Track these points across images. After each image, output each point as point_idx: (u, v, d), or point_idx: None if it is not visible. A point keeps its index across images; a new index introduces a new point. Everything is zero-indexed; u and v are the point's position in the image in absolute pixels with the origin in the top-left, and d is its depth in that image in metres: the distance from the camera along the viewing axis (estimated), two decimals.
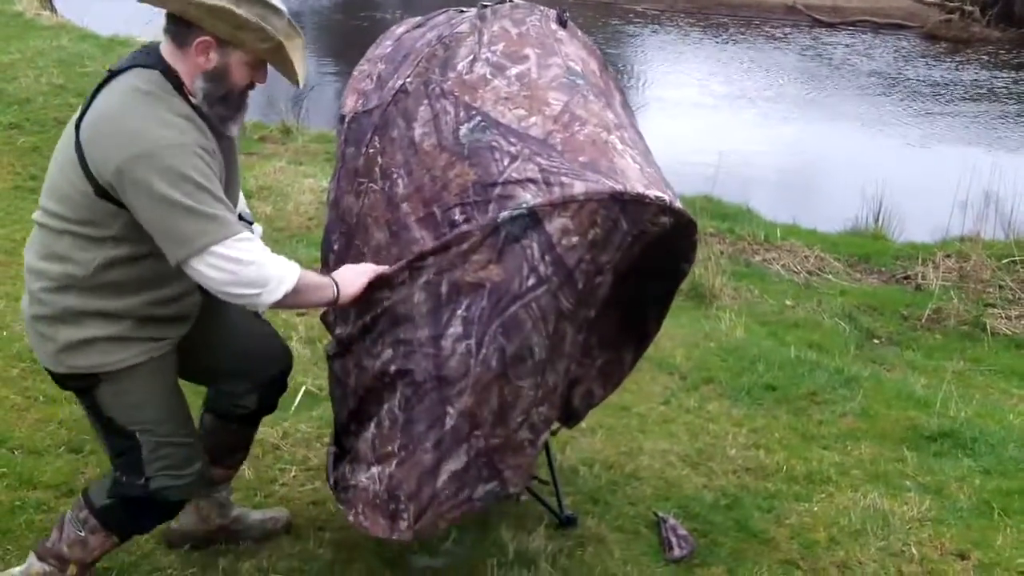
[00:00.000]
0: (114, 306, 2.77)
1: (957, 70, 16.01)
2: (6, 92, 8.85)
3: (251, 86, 2.81)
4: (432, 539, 3.43)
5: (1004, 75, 15.82)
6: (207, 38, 2.68)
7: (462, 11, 3.18)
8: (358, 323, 2.98)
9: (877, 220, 9.03)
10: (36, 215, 2.83)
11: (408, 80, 3.00)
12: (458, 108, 2.90)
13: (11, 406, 4.21)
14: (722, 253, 7.62)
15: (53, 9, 13.81)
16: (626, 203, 2.72)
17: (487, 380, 2.80)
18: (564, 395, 3.19)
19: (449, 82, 2.95)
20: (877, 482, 4.17)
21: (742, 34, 18.05)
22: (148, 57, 2.73)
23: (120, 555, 3.34)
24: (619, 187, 2.72)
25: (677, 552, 3.59)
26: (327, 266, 3.14)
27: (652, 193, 2.76)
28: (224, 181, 2.76)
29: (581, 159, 2.78)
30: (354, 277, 2.88)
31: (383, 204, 2.96)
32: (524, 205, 2.72)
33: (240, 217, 2.89)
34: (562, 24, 3.19)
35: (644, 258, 2.96)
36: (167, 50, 2.73)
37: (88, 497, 3.01)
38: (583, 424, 4.13)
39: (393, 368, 2.91)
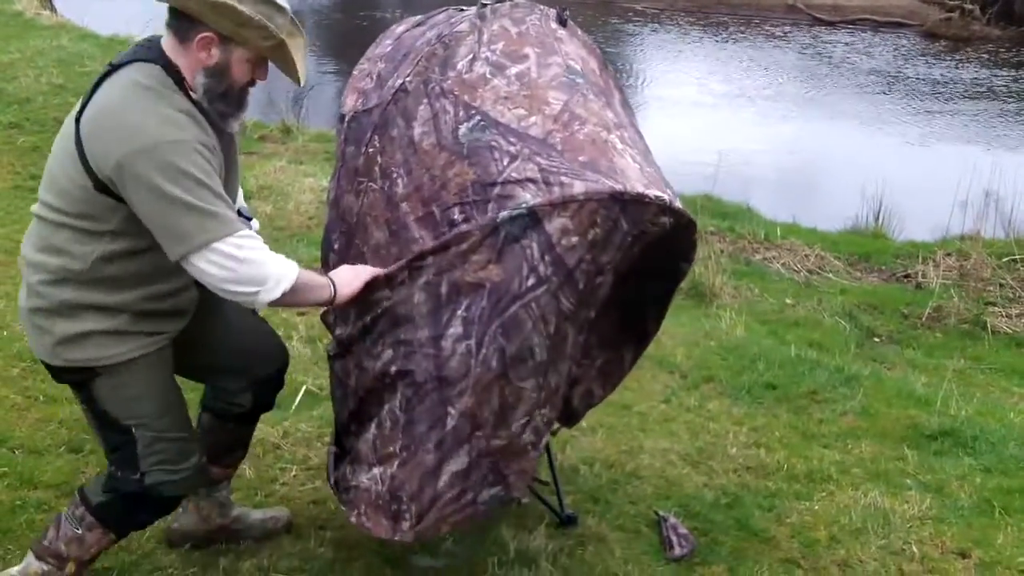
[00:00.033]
0: (111, 300, 2.76)
1: (957, 68, 16.01)
2: (6, 92, 8.85)
3: (252, 83, 2.81)
4: (433, 539, 3.43)
5: (1004, 73, 15.82)
6: (209, 34, 2.68)
7: (462, 10, 3.18)
8: (358, 324, 2.98)
9: (877, 219, 9.04)
10: (34, 208, 2.83)
11: (408, 79, 3.00)
12: (457, 107, 2.89)
13: (11, 406, 4.21)
14: (722, 252, 7.62)
15: (53, 9, 13.81)
16: (626, 203, 2.72)
17: (487, 380, 2.80)
18: (564, 396, 3.18)
19: (449, 81, 2.95)
20: (878, 481, 4.16)
21: (742, 32, 18.04)
22: (149, 51, 2.73)
23: (121, 554, 3.34)
24: (619, 187, 2.72)
25: (678, 551, 3.59)
26: (327, 265, 3.14)
27: (652, 193, 2.76)
28: (224, 177, 2.76)
29: (581, 159, 2.78)
30: (351, 277, 2.88)
31: (383, 203, 2.96)
32: (524, 205, 2.71)
33: (239, 213, 2.89)
34: (562, 23, 3.19)
35: (644, 258, 2.96)
36: (168, 45, 2.73)
37: (84, 494, 3.01)
38: (583, 423, 4.13)
39: (394, 369, 2.91)
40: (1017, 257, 7.87)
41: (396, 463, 2.92)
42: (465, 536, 3.53)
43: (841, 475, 4.19)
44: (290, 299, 2.74)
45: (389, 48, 3.23)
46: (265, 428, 4.10)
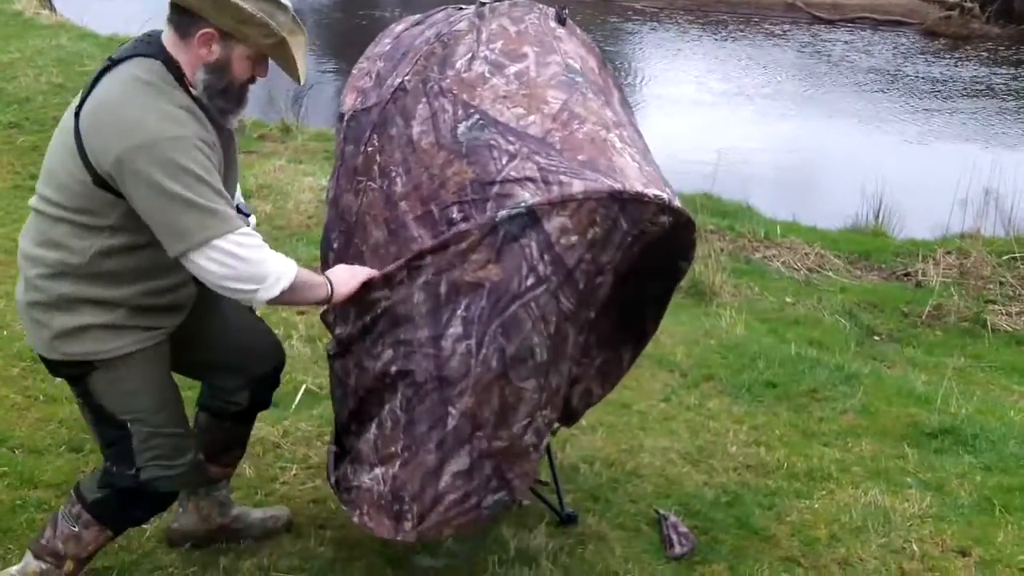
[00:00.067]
0: (109, 294, 2.76)
1: (956, 66, 16.01)
2: (5, 91, 8.85)
3: (252, 80, 2.81)
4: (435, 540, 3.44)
5: (1003, 71, 15.82)
6: (210, 30, 2.68)
7: (461, 9, 3.18)
8: (358, 323, 2.97)
9: (877, 217, 9.04)
10: (33, 201, 2.83)
11: (407, 78, 3.00)
12: (456, 106, 2.89)
13: (11, 405, 4.21)
14: (722, 250, 7.61)
15: (52, 8, 13.81)
16: (625, 202, 2.72)
17: (487, 380, 2.80)
18: (564, 395, 3.18)
19: (447, 80, 2.94)
20: (878, 479, 4.16)
21: (741, 31, 18.04)
22: (149, 46, 2.73)
23: (121, 554, 3.34)
24: (618, 186, 2.71)
25: (678, 549, 3.59)
26: (326, 264, 3.14)
27: (651, 192, 2.75)
28: (223, 174, 2.76)
29: (580, 158, 2.78)
30: (348, 277, 2.89)
31: (382, 202, 2.96)
32: (522, 204, 2.71)
33: (237, 209, 2.89)
34: (561, 22, 3.18)
35: (643, 258, 2.96)
36: (169, 40, 2.72)
37: (80, 491, 3.01)
38: (583, 422, 4.13)
39: (394, 369, 2.90)
40: (1017, 255, 7.87)
41: (398, 463, 2.92)
42: (466, 536, 3.53)
43: (841, 473, 4.19)
44: (288, 297, 2.75)
45: (388, 47, 3.23)
46: (265, 427, 4.11)
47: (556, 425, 3.46)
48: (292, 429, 4.18)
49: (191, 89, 2.72)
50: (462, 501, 2.91)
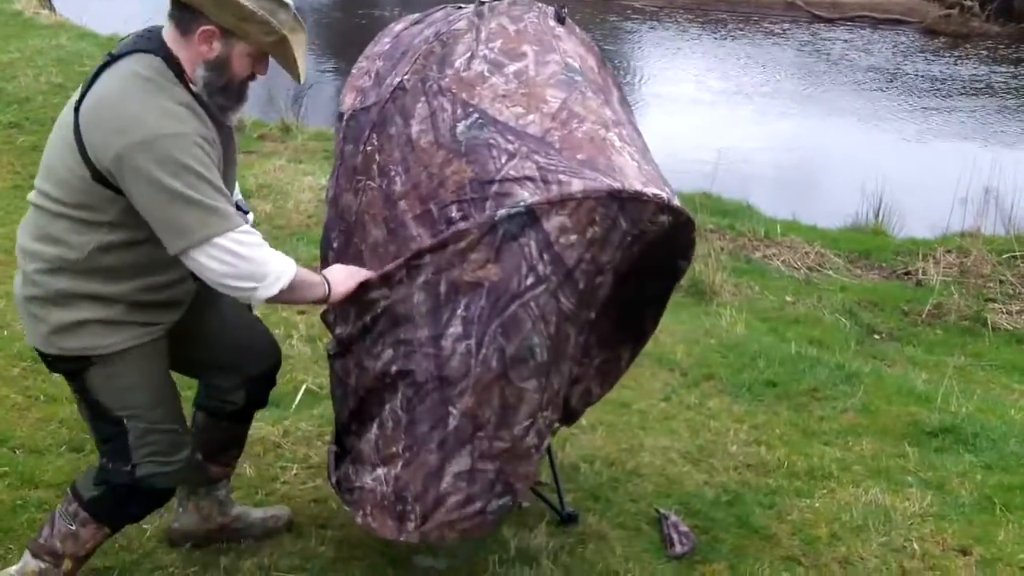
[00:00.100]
0: (107, 290, 2.76)
1: (956, 65, 16.00)
2: (5, 91, 8.85)
3: (252, 77, 2.80)
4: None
5: (1003, 70, 15.81)
6: (211, 27, 2.68)
7: (460, 8, 3.18)
8: (358, 323, 2.97)
9: (877, 216, 9.03)
10: (31, 196, 2.82)
11: (406, 77, 3.00)
12: (455, 105, 2.89)
13: (12, 405, 4.21)
14: (722, 249, 7.61)
15: (52, 8, 13.79)
16: (624, 201, 2.72)
17: (487, 380, 2.79)
18: (564, 395, 3.18)
19: (447, 79, 2.94)
20: (878, 478, 4.16)
21: (740, 30, 18.03)
22: (150, 42, 2.72)
23: (122, 554, 3.34)
24: (617, 185, 2.71)
25: (679, 548, 3.59)
26: (326, 263, 3.14)
27: (650, 191, 2.75)
28: (222, 171, 2.76)
29: (579, 157, 2.77)
30: (345, 277, 2.90)
31: (381, 201, 2.96)
32: (521, 203, 2.71)
33: (236, 206, 2.89)
34: (560, 21, 3.18)
35: (643, 258, 2.96)
36: (170, 36, 2.72)
37: (76, 489, 3.01)
38: (583, 421, 4.13)
39: (394, 369, 2.90)
40: (1017, 253, 7.87)
41: (400, 464, 2.92)
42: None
43: (842, 472, 4.18)
44: (287, 296, 2.76)
45: (387, 46, 3.23)
46: (266, 427, 4.11)
47: (556, 425, 3.46)
48: (292, 429, 4.18)
49: (191, 86, 2.71)
50: (465, 504, 2.90)
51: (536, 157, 2.76)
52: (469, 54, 2.97)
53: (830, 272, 7.82)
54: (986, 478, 4.21)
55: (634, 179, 2.76)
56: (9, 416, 4.12)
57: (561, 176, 2.72)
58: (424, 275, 2.81)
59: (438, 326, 2.81)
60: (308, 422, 4.23)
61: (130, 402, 2.87)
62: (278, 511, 3.56)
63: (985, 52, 16.84)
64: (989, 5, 18.01)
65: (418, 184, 2.87)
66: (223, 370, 3.17)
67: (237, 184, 3.15)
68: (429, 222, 2.84)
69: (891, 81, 14.94)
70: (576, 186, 2.70)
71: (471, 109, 2.87)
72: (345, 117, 3.15)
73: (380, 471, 2.97)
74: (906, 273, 7.95)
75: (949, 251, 8.08)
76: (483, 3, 3.09)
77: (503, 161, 2.77)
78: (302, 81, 2.89)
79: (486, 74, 2.92)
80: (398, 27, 3.32)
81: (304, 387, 4.48)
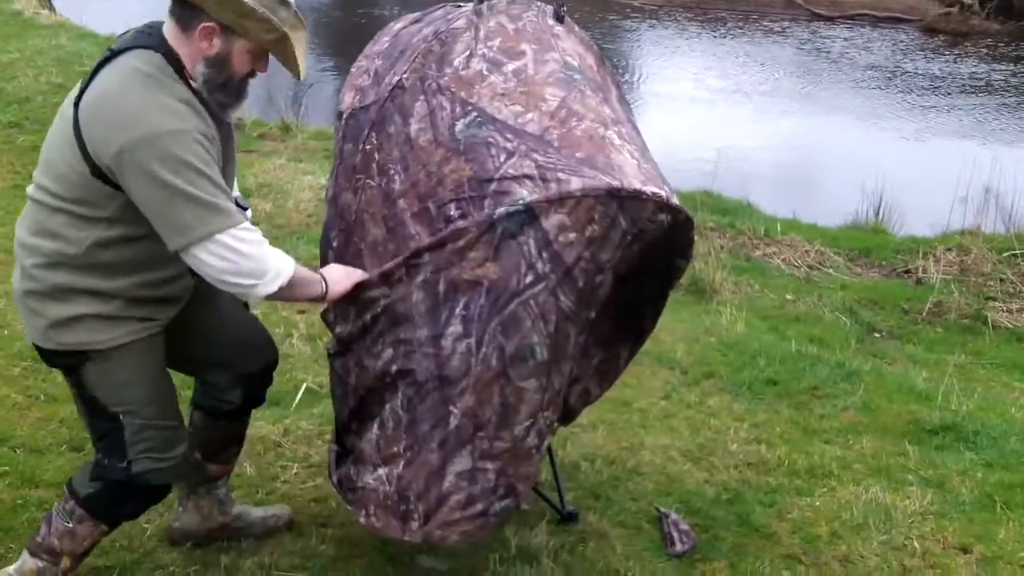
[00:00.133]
0: (105, 285, 2.76)
1: (956, 63, 15.99)
2: (5, 91, 8.86)
3: (252, 74, 2.80)
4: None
5: (1003, 68, 15.80)
6: (211, 24, 2.68)
7: (459, 7, 3.18)
8: (358, 322, 2.97)
9: (877, 214, 9.03)
10: (30, 190, 2.82)
11: (405, 76, 2.99)
12: (454, 104, 2.89)
13: (12, 405, 4.21)
14: (722, 248, 7.61)
15: (52, 8, 13.79)
16: (623, 199, 2.72)
17: (488, 379, 2.79)
18: (564, 395, 3.19)
19: (445, 78, 2.94)
20: (879, 476, 4.16)
21: (740, 28, 18.02)
22: (150, 38, 2.72)
23: (122, 553, 3.35)
24: (616, 183, 2.71)
25: (679, 547, 3.59)
26: (326, 262, 3.14)
27: (649, 189, 2.75)
28: (221, 167, 2.76)
29: (578, 155, 2.77)
30: (343, 276, 2.91)
31: (380, 200, 2.96)
32: (520, 201, 2.71)
33: (235, 203, 2.89)
34: (559, 19, 3.19)
35: (642, 258, 2.96)
36: (170, 32, 2.72)
37: (72, 487, 3.01)
38: (584, 420, 4.13)
39: (394, 368, 2.90)
40: (1017, 252, 7.86)
41: (402, 463, 2.92)
42: None
43: (842, 471, 4.18)
44: (286, 293, 2.77)
45: (387, 45, 3.23)
46: (266, 426, 4.11)
47: (555, 424, 3.46)
48: (293, 428, 4.18)
49: (191, 82, 2.71)
50: (466, 505, 2.90)
51: (535, 155, 2.76)
52: (468, 53, 2.97)
53: (830, 270, 7.82)
54: (987, 476, 4.21)
55: (633, 177, 2.76)
56: (10, 415, 4.13)
57: (560, 174, 2.72)
58: (423, 274, 2.81)
59: (438, 325, 2.81)
60: (308, 421, 4.23)
61: (126, 398, 2.87)
62: (278, 510, 3.56)
63: (985, 50, 16.83)
64: (989, 3, 18.00)
65: (417, 182, 2.87)
66: (219, 367, 3.16)
67: (236, 181, 3.15)
68: (427, 220, 2.84)
69: (891, 79, 14.93)
70: (575, 184, 2.70)
71: (470, 107, 2.87)
72: (344, 116, 3.15)
73: (382, 471, 2.97)
74: (906, 271, 7.95)
75: (949, 249, 8.07)
76: (482, 2, 3.09)
77: (502, 159, 2.77)
78: (302, 79, 2.89)
79: (485, 72, 2.92)
80: (397, 26, 3.32)
81: (304, 386, 4.48)
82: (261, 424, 4.09)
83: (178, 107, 2.64)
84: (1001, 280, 7.59)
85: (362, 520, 3.03)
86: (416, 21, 3.26)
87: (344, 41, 15.73)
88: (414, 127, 2.92)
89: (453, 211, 2.79)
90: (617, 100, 3.17)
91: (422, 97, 2.94)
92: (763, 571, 3.52)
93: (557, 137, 2.80)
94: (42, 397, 4.27)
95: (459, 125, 2.86)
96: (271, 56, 2.80)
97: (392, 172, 2.94)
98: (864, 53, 16.46)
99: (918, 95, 14.19)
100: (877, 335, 6.69)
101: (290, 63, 2.79)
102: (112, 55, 2.71)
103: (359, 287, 2.90)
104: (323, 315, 3.19)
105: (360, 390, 3.04)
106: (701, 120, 12.55)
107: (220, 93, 2.75)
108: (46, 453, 3.89)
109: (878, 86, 14.57)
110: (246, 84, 2.82)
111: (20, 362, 4.52)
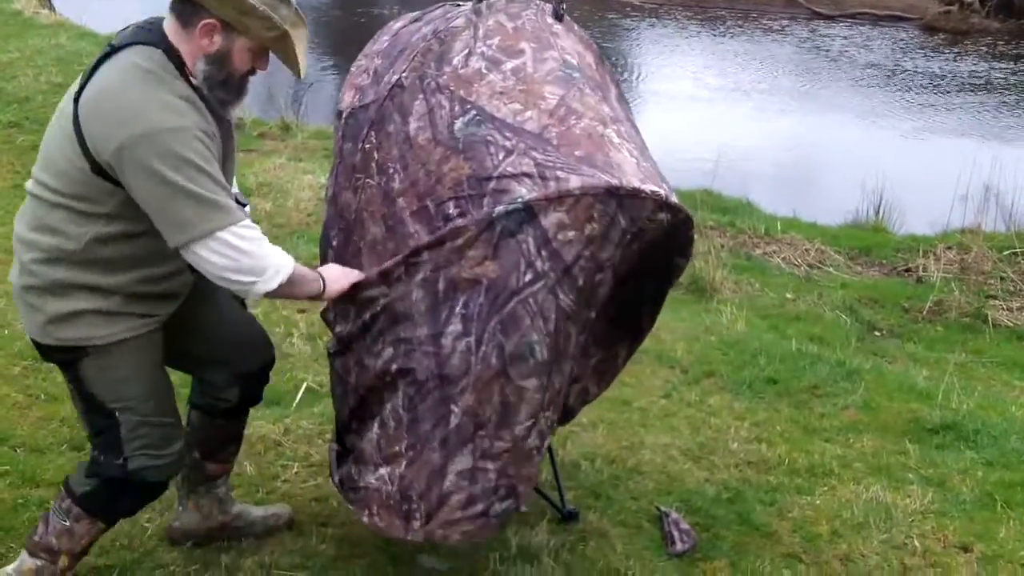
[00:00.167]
0: (105, 281, 2.76)
1: (955, 61, 16.00)
2: (5, 91, 8.86)
3: (252, 71, 2.80)
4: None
5: (1003, 66, 15.81)
6: (212, 21, 2.68)
7: (458, 5, 3.18)
8: (358, 321, 2.97)
9: (877, 213, 9.02)
10: (29, 185, 2.82)
11: (404, 75, 2.99)
12: (453, 102, 2.89)
13: (13, 404, 4.21)
14: (722, 247, 7.61)
15: (52, 7, 13.79)
16: (622, 198, 2.72)
17: (488, 378, 2.79)
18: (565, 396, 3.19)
19: (444, 76, 2.94)
20: (879, 475, 4.16)
21: (739, 27, 18.02)
22: (151, 34, 2.72)
23: (123, 552, 3.35)
24: (615, 181, 2.71)
25: (679, 546, 3.59)
26: (325, 261, 3.14)
27: (648, 188, 2.75)
28: (222, 164, 2.76)
29: (577, 153, 2.77)
30: (340, 275, 2.92)
31: (379, 199, 2.96)
32: (519, 199, 2.71)
33: (235, 200, 2.89)
34: (558, 18, 3.18)
35: (642, 258, 2.96)
36: (171, 28, 2.72)
37: (69, 485, 3.00)
38: (584, 419, 4.13)
39: (394, 367, 2.90)
40: (1018, 250, 7.86)
41: (404, 463, 2.92)
42: None
43: (843, 469, 4.18)
44: (284, 291, 2.77)
45: (386, 44, 3.23)
46: (266, 425, 4.11)
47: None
48: (293, 427, 4.18)
49: (191, 79, 2.71)
50: (467, 505, 2.90)
51: (534, 153, 2.76)
52: (467, 51, 2.97)
53: (830, 269, 7.81)
54: (987, 475, 4.21)
55: (632, 176, 2.76)
56: (10, 415, 4.12)
57: (559, 172, 2.72)
58: (422, 272, 2.81)
59: (437, 324, 2.81)
60: (309, 420, 4.23)
61: (123, 394, 2.86)
62: (279, 509, 3.56)
63: (985, 48, 16.84)
64: (989, 1, 18.01)
65: (416, 181, 2.87)
66: (216, 365, 3.16)
67: (235, 179, 3.15)
68: (427, 219, 2.84)
69: (891, 78, 14.93)
70: (574, 182, 2.70)
71: (469, 106, 2.87)
72: (344, 115, 3.15)
73: (383, 470, 2.97)
74: (906, 270, 7.95)
75: (949, 248, 8.07)
76: (481, 1, 3.09)
77: (501, 158, 2.77)
78: (302, 76, 2.89)
79: (484, 71, 2.92)
80: (397, 25, 3.32)
81: (305, 385, 4.48)
82: (262, 423, 4.09)
83: (179, 104, 2.64)
84: (1001, 278, 7.59)
85: (365, 520, 3.03)
86: (415, 20, 3.26)
87: (344, 40, 15.74)
88: (413, 126, 2.92)
89: (452, 209, 2.79)
90: (616, 99, 3.17)
91: (421, 96, 2.94)
92: (763, 570, 3.52)
93: (556, 135, 2.80)
94: (43, 396, 4.26)
95: (458, 123, 2.86)
96: (271, 54, 2.80)
97: (391, 171, 2.94)
98: (864, 51, 16.47)
99: (918, 93, 14.20)
100: (877, 334, 6.69)
101: (290, 61, 2.79)
102: (113, 51, 2.71)
103: (357, 286, 2.90)
104: (323, 314, 3.19)
105: (360, 389, 3.03)
106: (701, 119, 12.55)
107: (220, 90, 2.75)
108: (47, 452, 3.89)
109: (878, 84, 14.57)
110: (246, 81, 2.82)
111: (20, 361, 4.52)
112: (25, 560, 3.03)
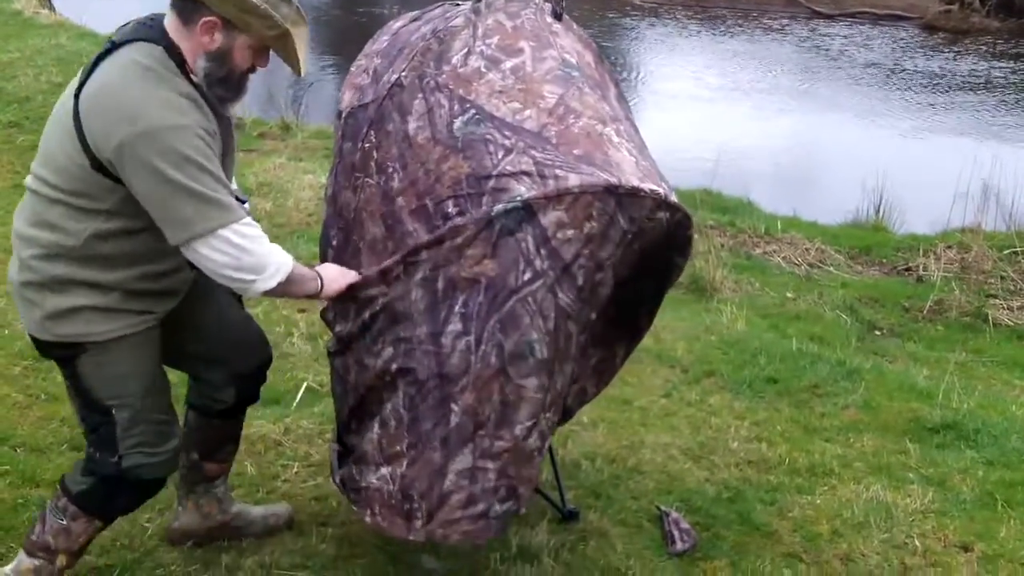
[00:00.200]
0: (103, 278, 2.76)
1: (955, 61, 15.99)
2: (5, 91, 8.85)
3: (252, 69, 2.80)
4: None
5: (1003, 65, 15.80)
6: (213, 18, 2.68)
7: (457, 5, 3.18)
8: (357, 321, 2.97)
9: (878, 212, 9.01)
10: (28, 181, 2.82)
11: (403, 74, 2.99)
12: (452, 101, 2.89)
13: (13, 404, 4.21)
14: (723, 246, 7.60)
15: (52, 7, 13.78)
16: (621, 196, 2.72)
17: (487, 377, 2.79)
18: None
19: (444, 75, 2.94)
20: (880, 474, 4.16)
21: (739, 26, 18.02)
22: (151, 31, 2.72)
23: (123, 552, 3.35)
24: (614, 180, 2.71)
25: (680, 546, 3.59)
26: (325, 261, 3.14)
27: (647, 186, 2.75)
28: (221, 162, 2.76)
29: (576, 152, 2.77)
30: (338, 275, 2.92)
31: (379, 198, 2.96)
32: (518, 198, 2.71)
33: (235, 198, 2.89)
34: (557, 17, 3.18)
35: (642, 258, 2.96)
36: (171, 25, 2.72)
37: (65, 484, 3.00)
38: (584, 418, 4.13)
39: (394, 367, 2.90)
40: (1018, 249, 7.86)
41: (405, 462, 2.92)
42: None
43: (843, 469, 4.18)
44: (284, 289, 2.78)
45: (385, 44, 3.23)
46: (266, 425, 4.11)
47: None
48: (293, 427, 4.17)
49: (192, 76, 2.71)
50: (467, 505, 2.90)
51: (533, 152, 2.76)
52: (466, 50, 2.97)
53: (831, 268, 7.81)
54: (987, 474, 4.21)
55: (631, 175, 2.76)
56: (10, 415, 4.13)
57: (558, 171, 2.72)
58: (422, 271, 2.81)
59: (437, 323, 2.81)
60: (309, 420, 4.23)
61: (120, 391, 2.86)
62: (279, 509, 3.56)
63: (985, 48, 16.83)
64: (989, 1, 18.00)
65: (415, 180, 2.87)
66: (213, 364, 3.16)
67: (235, 178, 3.15)
68: (426, 218, 2.83)
69: (890, 77, 14.93)
70: (573, 181, 2.70)
71: (468, 105, 2.87)
72: (344, 115, 3.15)
73: (385, 470, 2.97)
74: (907, 269, 7.94)
75: (950, 247, 8.06)
76: (480, 0, 3.09)
77: (500, 156, 2.77)
78: (302, 75, 2.89)
79: (483, 70, 2.92)
80: (396, 24, 3.32)
81: (305, 385, 4.48)
82: (262, 423, 4.09)
83: (179, 101, 2.64)
84: (1002, 278, 7.58)
85: (367, 520, 3.03)
86: (415, 19, 3.26)
87: (344, 40, 15.73)
88: (412, 125, 2.92)
89: (451, 208, 2.79)
90: (615, 98, 3.17)
91: (420, 95, 2.94)
92: (764, 569, 3.52)
93: (555, 134, 2.80)
94: (43, 396, 4.26)
95: (457, 122, 2.86)
96: (271, 52, 2.80)
97: (391, 170, 2.93)
98: (864, 51, 16.46)
99: (918, 92, 14.19)
100: (878, 333, 6.68)
101: (291, 59, 2.79)
102: (113, 47, 2.71)
103: (354, 286, 2.90)
104: (323, 314, 3.19)
105: (360, 388, 3.03)
106: (700, 118, 12.54)
107: (220, 88, 2.75)
108: (47, 452, 3.89)
109: (878, 84, 14.57)
110: (246, 79, 2.82)
111: (21, 361, 4.52)
112: (23, 560, 3.02)
